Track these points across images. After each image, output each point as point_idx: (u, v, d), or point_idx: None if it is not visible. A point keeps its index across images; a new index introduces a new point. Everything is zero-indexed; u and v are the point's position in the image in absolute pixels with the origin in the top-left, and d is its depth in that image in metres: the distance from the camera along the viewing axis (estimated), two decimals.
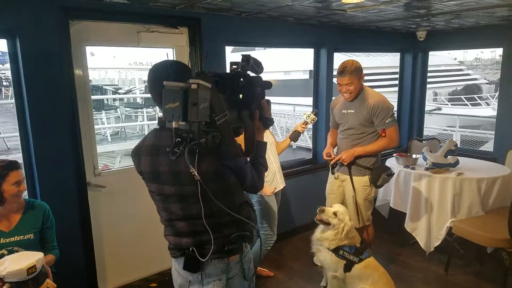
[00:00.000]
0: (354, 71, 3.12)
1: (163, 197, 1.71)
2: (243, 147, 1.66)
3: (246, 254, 1.83)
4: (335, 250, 2.93)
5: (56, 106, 2.87)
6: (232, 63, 1.64)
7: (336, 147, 3.52)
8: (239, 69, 1.62)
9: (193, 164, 1.48)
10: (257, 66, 1.67)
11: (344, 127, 3.38)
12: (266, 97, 1.79)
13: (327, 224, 2.96)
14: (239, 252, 1.77)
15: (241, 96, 1.64)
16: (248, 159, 1.75)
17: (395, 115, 3.24)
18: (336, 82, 3.93)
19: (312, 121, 3.37)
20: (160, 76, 1.55)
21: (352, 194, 3.34)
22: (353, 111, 3.28)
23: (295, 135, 3.37)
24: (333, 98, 3.71)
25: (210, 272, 1.73)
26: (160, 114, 1.61)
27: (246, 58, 1.62)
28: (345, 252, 2.91)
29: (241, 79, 1.64)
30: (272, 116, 1.83)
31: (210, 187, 1.54)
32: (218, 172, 1.60)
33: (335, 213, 2.95)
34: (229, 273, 1.76)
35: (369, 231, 3.51)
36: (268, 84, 1.73)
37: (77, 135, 3.00)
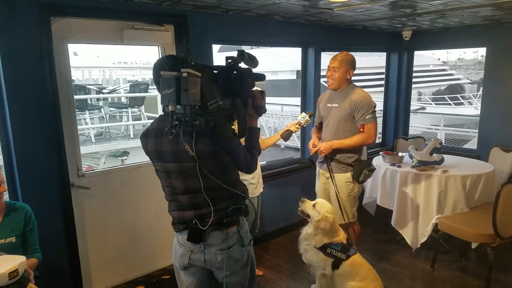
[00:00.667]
0: (344, 60, 3.24)
1: (167, 174, 1.92)
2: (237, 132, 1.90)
3: (243, 225, 2.03)
4: (323, 248, 2.92)
5: (37, 106, 2.80)
6: (227, 57, 1.86)
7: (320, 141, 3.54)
8: (233, 63, 1.84)
9: (190, 143, 1.72)
10: (252, 60, 1.86)
11: (327, 121, 3.42)
12: (260, 89, 2.05)
13: (308, 216, 2.96)
14: (236, 224, 1.97)
15: (233, 85, 1.86)
16: (243, 143, 1.99)
17: (376, 113, 3.29)
18: (323, 83, 3.94)
19: (306, 123, 3.36)
20: (159, 69, 1.76)
21: (335, 191, 3.37)
22: (337, 105, 3.33)
23: (287, 134, 3.35)
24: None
25: (211, 242, 1.94)
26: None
27: (241, 53, 1.84)
28: (332, 250, 2.90)
29: (234, 72, 1.86)
30: (264, 105, 2.04)
31: (206, 165, 1.78)
32: (213, 151, 1.81)
33: (314, 205, 2.95)
34: (228, 242, 1.94)
35: (355, 228, 3.53)
36: (261, 76, 1.96)
37: (60, 136, 2.93)
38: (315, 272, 3.05)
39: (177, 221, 1.99)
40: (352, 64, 3.27)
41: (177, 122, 1.69)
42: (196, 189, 1.85)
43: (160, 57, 1.94)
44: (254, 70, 1.92)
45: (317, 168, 3.60)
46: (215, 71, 1.85)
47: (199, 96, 1.65)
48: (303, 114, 3.36)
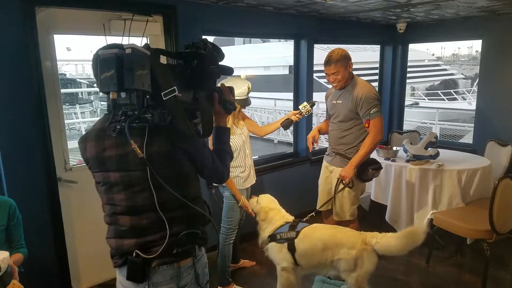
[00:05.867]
0: (339, 60, 3.07)
1: (108, 187, 1.52)
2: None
3: (200, 257, 1.61)
4: (273, 238, 2.82)
5: (22, 99, 2.72)
6: (186, 46, 1.55)
7: (328, 136, 3.46)
8: (194, 49, 1.52)
9: (141, 143, 1.38)
10: (217, 52, 1.58)
11: (334, 118, 3.33)
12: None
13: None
14: (191, 256, 1.55)
15: (194, 75, 1.54)
16: (211, 146, 1.68)
17: (381, 106, 3.14)
18: (316, 78, 3.86)
19: (307, 113, 3.28)
20: (97, 55, 1.38)
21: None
22: (341, 101, 3.23)
23: (287, 123, 3.28)
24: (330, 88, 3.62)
25: (157, 281, 1.50)
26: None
27: (203, 42, 1.54)
28: (281, 234, 2.79)
29: (195, 61, 1.53)
30: (233, 100, 1.73)
31: (160, 172, 1.40)
32: (170, 154, 1.45)
33: (257, 201, 2.98)
34: (180, 281, 1.53)
35: (354, 228, 3.42)
36: (228, 70, 1.65)
37: (46, 129, 2.86)
38: (277, 268, 2.90)
39: (115, 251, 1.58)
40: (347, 57, 3.12)
41: (123, 116, 1.36)
42: (143, 207, 1.47)
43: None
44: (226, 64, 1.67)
45: (324, 161, 3.50)
46: (173, 59, 1.54)
47: (149, 81, 1.33)
48: (305, 103, 3.29)
